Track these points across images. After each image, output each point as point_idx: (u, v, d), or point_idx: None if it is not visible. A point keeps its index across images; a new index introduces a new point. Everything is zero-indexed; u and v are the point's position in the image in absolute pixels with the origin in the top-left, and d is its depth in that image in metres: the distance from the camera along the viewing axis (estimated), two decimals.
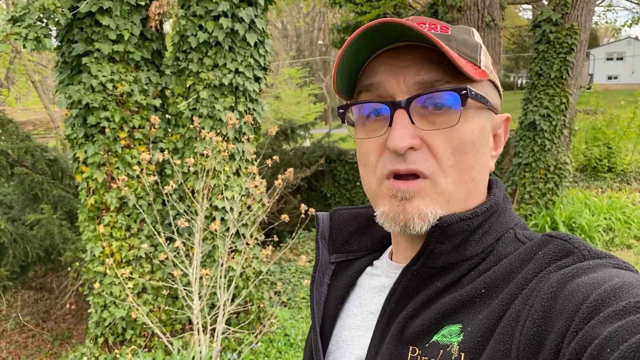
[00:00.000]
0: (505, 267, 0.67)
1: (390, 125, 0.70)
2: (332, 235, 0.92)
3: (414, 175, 0.70)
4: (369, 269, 0.89)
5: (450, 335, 0.65)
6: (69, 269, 5.83)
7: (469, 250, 0.71)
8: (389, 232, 0.80)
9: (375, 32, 0.67)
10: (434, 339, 0.66)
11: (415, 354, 0.67)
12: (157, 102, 4.64)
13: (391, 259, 0.85)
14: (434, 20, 0.75)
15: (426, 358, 0.66)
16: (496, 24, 8.24)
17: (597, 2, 15.51)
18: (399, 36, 0.68)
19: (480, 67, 0.73)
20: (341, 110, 0.77)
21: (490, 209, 0.73)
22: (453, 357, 0.63)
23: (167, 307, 4.61)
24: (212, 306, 4.49)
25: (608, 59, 41.91)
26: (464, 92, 0.67)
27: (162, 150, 4.59)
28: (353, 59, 0.71)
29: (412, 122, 0.69)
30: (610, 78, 41.36)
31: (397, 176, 0.71)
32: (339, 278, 0.90)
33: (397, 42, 0.70)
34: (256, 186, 3.81)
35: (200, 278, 3.70)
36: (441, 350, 0.64)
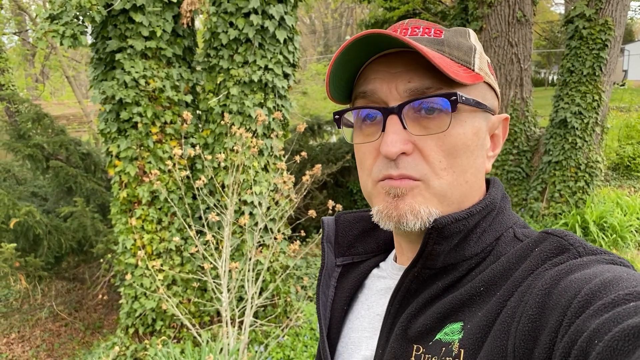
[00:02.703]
0: (502, 264, 0.69)
1: (383, 130, 0.71)
2: (338, 238, 0.94)
3: (406, 178, 0.72)
4: (375, 270, 0.91)
5: (452, 333, 0.67)
6: (101, 260, 5.97)
7: (468, 250, 0.73)
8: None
9: (365, 41, 0.68)
10: (437, 337, 0.68)
11: (420, 352, 0.69)
12: (188, 98, 4.71)
13: (395, 261, 0.87)
14: (429, 24, 0.76)
15: (429, 356, 0.68)
16: (527, 19, 8.12)
17: None
18: (391, 44, 0.69)
19: (474, 70, 0.73)
20: (337, 116, 0.79)
21: (486, 207, 0.74)
22: (453, 354, 0.65)
23: (196, 299, 4.69)
24: (240, 299, 4.56)
25: None
26: (454, 97, 0.68)
27: (193, 146, 4.67)
28: (345, 68, 0.73)
29: (404, 127, 0.71)
30: None
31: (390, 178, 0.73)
32: (346, 280, 0.92)
33: (390, 49, 0.71)
34: (284, 182, 3.85)
35: (229, 271, 3.76)
36: (443, 348, 0.66)
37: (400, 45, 0.68)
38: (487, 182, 0.82)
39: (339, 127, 0.80)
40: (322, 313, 0.88)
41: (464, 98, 0.69)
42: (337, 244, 0.94)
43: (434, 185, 0.71)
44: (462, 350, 0.64)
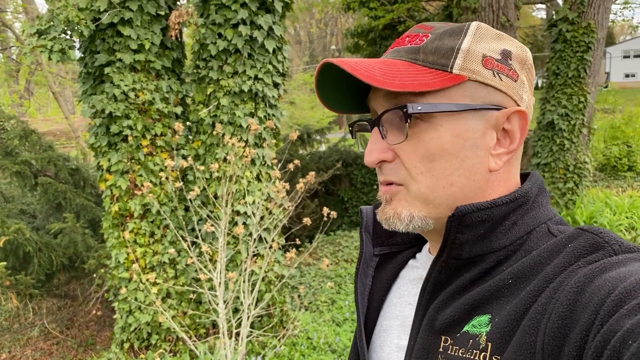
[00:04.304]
0: (533, 258, 0.68)
1: None
2: (376, 228, 0.94)
3: (390, 184, 0.77)
4: (411, 261, 0.91)
5: (480, 325, 0.67)
6: (94, 275, 5.91)
7: (496, 242, 0.72)
8: None
9: (336, 68, 0.73)
10: (464, 329, 0.68)
11: (447, 344, 0.69)
12: (178, 110, 4.70)
13: (430, 252, 0.88)
14: (424, 29, 0.78)
15: (457, 347, 0.68)
16: (511, 24, 8.21)
17: (614, 0, 15.36)
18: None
19: (451, 72, 0.72)
20: (350, 128, 0.86)
21: (514, 200, 0.73)
22: (481, 347, 0.65)
23: (191, 312, 4.66)
24: (235, 310, 4.53)
25: (625, 57, 41.40)
26: (405, 109, 0.71)
27: (184, 157, 4.65)
28: (340, 88, 0.80)
29: (383, 137, 0.75)
30: (627, 76, 40.87)
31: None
32: (383, 270, 0.93)
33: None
34: (278, 191, 3.85)
35: (226, 282, 3.74)
36: (471, 340, 0.66)
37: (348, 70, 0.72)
38: (525, 175, 0.82)
39: (353, 138, 0.86)
40: (359, 302, 0.90)
41: (419, 107, 0.71)
42: (375, 233, 0.94)
43: (413, 190, 0.75)
44: (490, 344, 0.64)
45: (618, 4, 16.13)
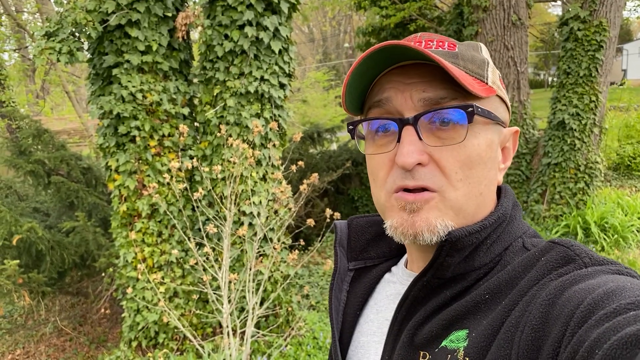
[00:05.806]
0: (508, 273, 0.69)
1: (398, 141, 0.71)
2: (350, 242, 0.94)
3: (422, 189, 0.71)
4: (387, 275, 0.91)
5: (458, 340, 0.67)
6: (104, 274, 5.99)
7: (478, 260, 0.73)
8: None
9: (383, 53, 0.68)
10: (442, 344, 0.68)
11: (426, 359, 0.70)
12: (186, 111, 4.74)
13: (406, 267, 0.87)
14: (443, 37, 0.76)
15: None
16: (522, 22, 8.15)
17: None
18: (407, 55, 0.70)
19: (487, 83, 0.74)
20: (351, 127, 0.78)
21: (498, 219, 0.74)
22: None
23: (197, 311, 4.70)
24: (242, 310, 4.56)
25: None
26: (470, 109, 0.69)
27: (191, 158, 4.69)
28: (361, 78, 0.73)
29: (420, 138, 0.70)
30: None
31: (406, 190, 0.72)
32: (358, 285, 0.92)
33: (405, 61, 0.72)
34: (282, 191, 3.86)
35: (230, 282, 3.77)
36: (449, 355, 0.67)
37: (419, 57, 0.69)
38: (499, 189, 0.81)
39: (353, 138, 0.80)
40: (334, 317, 0.88)
41: (480, 109, 0.70)
42: (349, 248, 0.94)
43: (450, 197, 0.71)
44: (467, 359, 0.64)
45: (634, 0, 15.90)
